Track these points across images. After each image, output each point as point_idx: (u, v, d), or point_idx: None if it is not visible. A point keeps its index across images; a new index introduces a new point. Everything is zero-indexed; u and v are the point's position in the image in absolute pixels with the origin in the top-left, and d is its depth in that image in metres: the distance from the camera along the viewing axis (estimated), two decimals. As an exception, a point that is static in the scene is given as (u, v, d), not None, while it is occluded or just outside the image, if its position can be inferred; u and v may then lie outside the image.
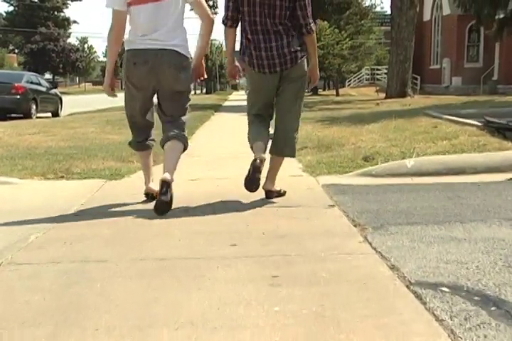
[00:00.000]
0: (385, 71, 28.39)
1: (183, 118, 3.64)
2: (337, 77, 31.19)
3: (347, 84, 39.03)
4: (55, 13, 68.32)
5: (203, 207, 3.56)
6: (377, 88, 29.15)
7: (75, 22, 72.79)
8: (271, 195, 3.74)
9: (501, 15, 16.59)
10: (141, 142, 3.78)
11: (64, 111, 17.33)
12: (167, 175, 3.31)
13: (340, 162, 5.00)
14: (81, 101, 29.75)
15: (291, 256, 2.44)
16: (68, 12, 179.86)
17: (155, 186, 3.62)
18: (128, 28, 3.54)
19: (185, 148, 3.61)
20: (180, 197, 3.83)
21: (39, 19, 63.34)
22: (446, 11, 29.68)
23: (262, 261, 2.39)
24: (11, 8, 66.98)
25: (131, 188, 4.15)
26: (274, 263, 2.35)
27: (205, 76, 3.77)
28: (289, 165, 4.92)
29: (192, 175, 4.39)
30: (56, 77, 65.79)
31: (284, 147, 3.69)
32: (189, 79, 3.61)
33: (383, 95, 21.87)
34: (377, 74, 36.78)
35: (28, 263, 2.44)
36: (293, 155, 3.80)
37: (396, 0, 19.98)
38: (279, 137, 3.70)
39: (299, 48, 3.48)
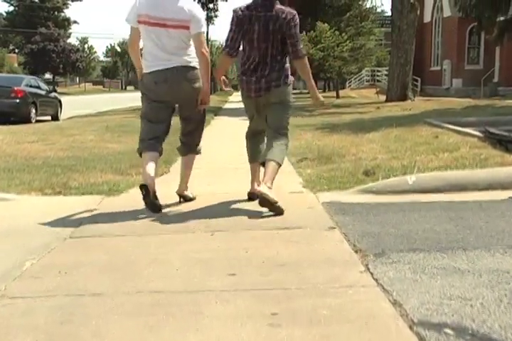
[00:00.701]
0: (386, 72, 28.29)
1: (200, 128, 4.27)
2: (337, 79, 31.09)
3: (347, 85, 38.93)
4: (56, 13, 68.32)
5: (201, 227, 3.50)
6: (378, 89, 29.05)
7: (75, 22, 72.85)
8: (264, 203, 3.70)
9: (501, 18, 16.52)
10: (149, 141, 3.96)
11: (64, 113, 17.24)
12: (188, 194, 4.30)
13: (340, 176, 4.94)
14: (81, 102, 29.75)
15: (291, 289, 2.39)
16: (68, 12, 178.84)
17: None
18: (141, 47, 4.08)
19: (197, 154, 4.33)
20: (178, 217, 3.81)
21: (39, 19, 63.32)
22: (447, 12, 29.63)
23: (262, 295, 2.34)
24: (11, 8, 67.09)
25: (130, 205, 4.10)
26: (273, 298, 2.30)
27: (208, 104, 4.13)
28: (289, 180, 4.88)
29: (191, 191, 4.34)
30: (56, 77, 65.84)
31: (268, 152, 3.92)
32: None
33: (383, 97, 21.80)
34: (378, 76, 36.68)
35: (21, 296, 2.38)
36: (278, 160, 3.85)
37: (396, 3, 19.89)
38: (267, 146, 4.03)
39: (274, 79, 3.97)
